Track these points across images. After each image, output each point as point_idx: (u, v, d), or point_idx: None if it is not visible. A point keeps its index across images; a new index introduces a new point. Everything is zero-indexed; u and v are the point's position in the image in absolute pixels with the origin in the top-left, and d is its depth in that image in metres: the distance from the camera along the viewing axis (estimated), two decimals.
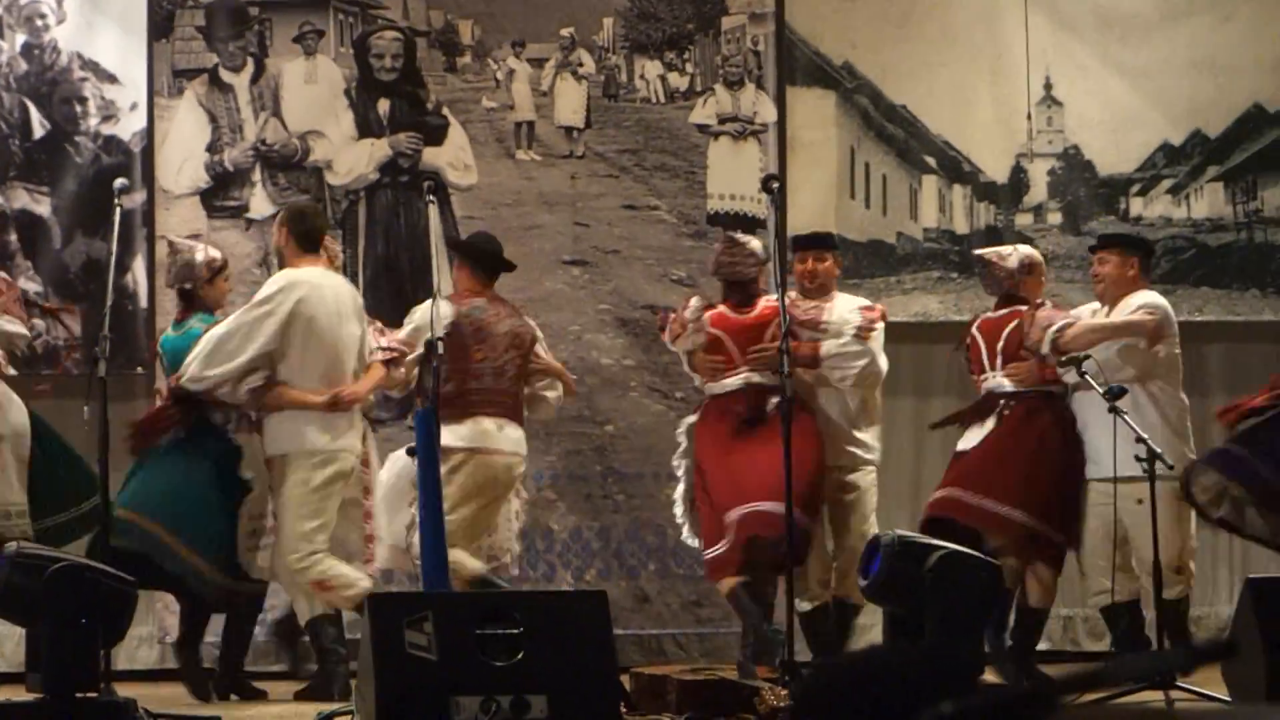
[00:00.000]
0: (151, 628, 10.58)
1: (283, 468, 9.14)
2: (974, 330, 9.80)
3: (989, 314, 9.82)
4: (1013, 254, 9.82)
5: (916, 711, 1.97)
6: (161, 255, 10.46)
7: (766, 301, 9.49)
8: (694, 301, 9.63)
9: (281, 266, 9.50)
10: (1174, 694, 8.05)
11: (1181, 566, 9.37)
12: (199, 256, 9.64)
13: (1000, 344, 9.64)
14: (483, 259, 9.75)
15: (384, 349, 9.41)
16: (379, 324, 9.62)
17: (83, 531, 9.23)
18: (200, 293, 9.58)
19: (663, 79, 11.38)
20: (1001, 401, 9.52)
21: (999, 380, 9.60)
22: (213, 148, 11.06)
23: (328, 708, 8.20)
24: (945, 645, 8.10)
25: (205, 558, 9.13)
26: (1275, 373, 9.55)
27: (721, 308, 9.57)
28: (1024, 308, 9.64)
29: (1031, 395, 9.53)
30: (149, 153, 10.96)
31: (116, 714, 7.21)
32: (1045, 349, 9.46)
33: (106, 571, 7.54)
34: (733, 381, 9.41)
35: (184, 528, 9.10)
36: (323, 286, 9.21)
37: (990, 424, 9.53)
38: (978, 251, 10.16)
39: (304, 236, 9.35)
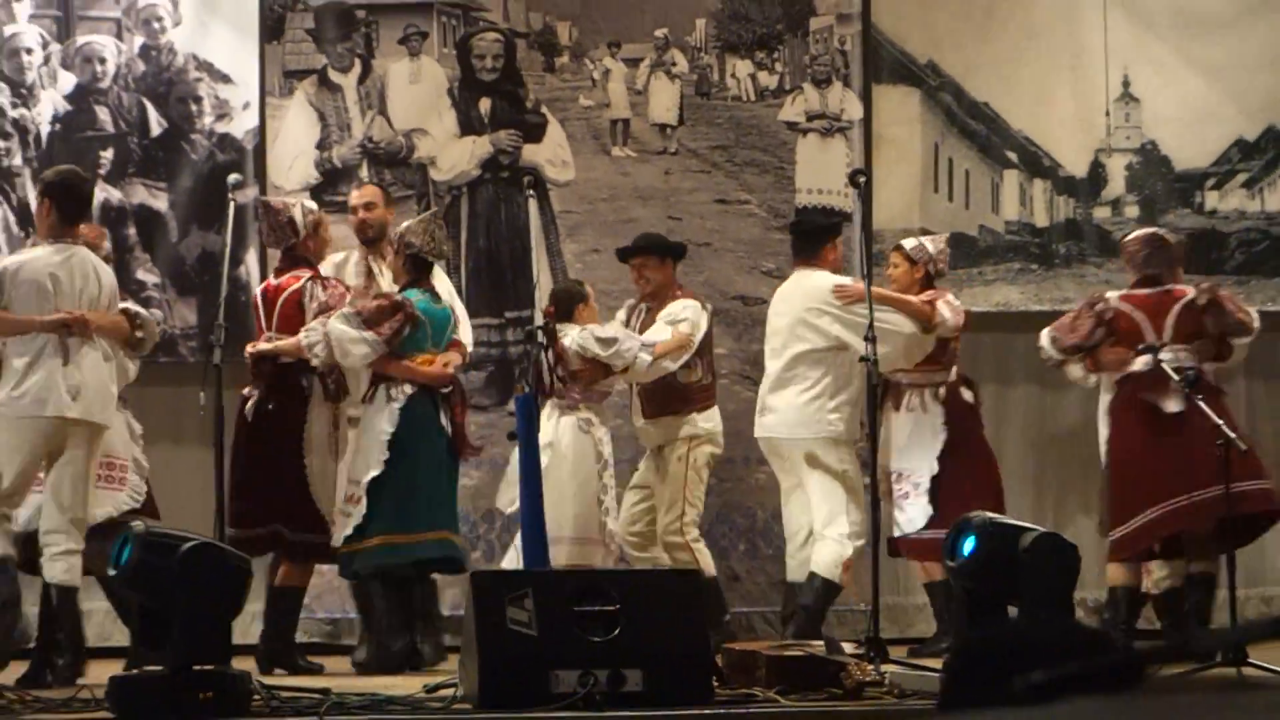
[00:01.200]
0: (259, 604, 10.61)
1: None
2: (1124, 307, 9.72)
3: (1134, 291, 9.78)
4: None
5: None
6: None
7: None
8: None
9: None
10: (1245, 669, 7.99)
11: None
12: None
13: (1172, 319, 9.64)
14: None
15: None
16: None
17: None
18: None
19: (753, 78, 11.37)
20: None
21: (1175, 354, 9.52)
22: (322, 145, 11.06)
23: (434, 679, 7.99)
24: (1071, 621, 8.15)
25: None
26: None
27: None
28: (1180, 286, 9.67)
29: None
30: (261, 150, 10.95)
31: (235, 685, 7.18)
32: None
33: (229, 550, 7.59)
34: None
35: None
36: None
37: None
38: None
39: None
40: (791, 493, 9.78)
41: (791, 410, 9.66)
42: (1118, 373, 9.60)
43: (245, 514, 9.23)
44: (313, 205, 9.81)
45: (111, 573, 7.49)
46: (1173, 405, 9.38)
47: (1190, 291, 9.65)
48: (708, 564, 9.84)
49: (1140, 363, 9.50)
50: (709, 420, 9.96)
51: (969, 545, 7.96)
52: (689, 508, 9.87)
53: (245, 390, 9.38)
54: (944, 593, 9.66)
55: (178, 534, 7.63)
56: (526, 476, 9.57)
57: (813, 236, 9.92)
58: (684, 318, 9.83)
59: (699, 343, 9.88)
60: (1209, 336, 9.61)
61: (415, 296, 9.37)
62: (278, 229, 9.55)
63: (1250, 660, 8.08)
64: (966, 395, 10.11)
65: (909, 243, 10.11)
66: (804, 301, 9.66)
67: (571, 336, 9.71)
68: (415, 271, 9.45)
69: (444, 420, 9.39)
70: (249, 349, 9.36)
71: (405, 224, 9.56)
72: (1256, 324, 9.67)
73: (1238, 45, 11.61)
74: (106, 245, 9.46)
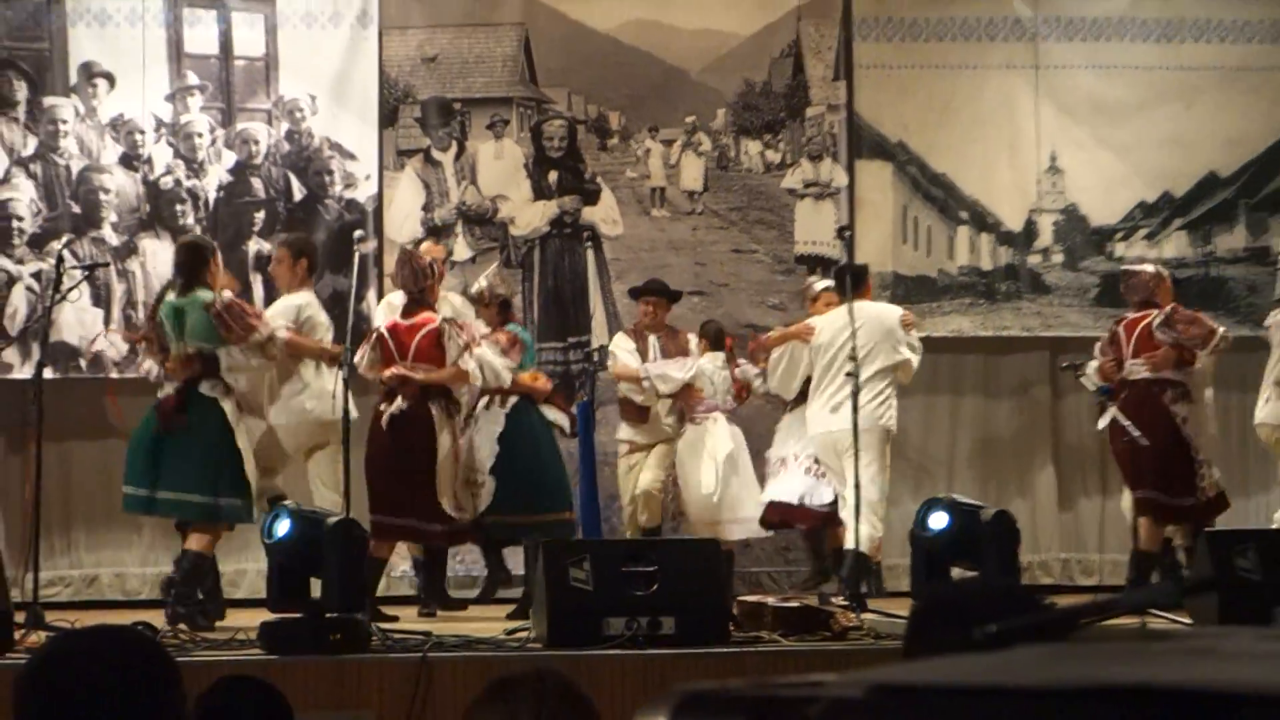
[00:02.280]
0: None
1: None
2: (1117, 329, 9.62)
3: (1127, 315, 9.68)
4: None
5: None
6: (389, 263, 10.26)
7: None
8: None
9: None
10: (1150, 621, 7.75)
11: None
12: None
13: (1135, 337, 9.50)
14: None
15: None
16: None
17: None
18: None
19: (762, 154, 11.35)
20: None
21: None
22: (426, 208, 11.06)
23: (514, 624, 8.09)
24: (1018, 582, 8.11)
25: None
26: None
27: None
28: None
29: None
30: (379, 211, 10.96)
31: (357, 628, 7.18)
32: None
33: (358, 524, 7.59)
34: None
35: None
36: None
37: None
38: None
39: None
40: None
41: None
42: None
43: (386, 504, 9.07)
44: (439, 256, 9.73)
45: (267, 541, 7.42)
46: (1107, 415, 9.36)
47: (1154, 313, 9.54)
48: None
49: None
50: None
51: (940, 520, 7.93)
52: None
53: (381, 405, 9.18)
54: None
55: (321, 511, 7.68)
56: (584, 466, 9.62)
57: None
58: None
59: None
60: (1170, 349, 9.45)
61: (517, 330, 9.52)
62: (417, 274, 9.26)
63: (1154, 613, 7.95)
64: None
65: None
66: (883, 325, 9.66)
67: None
68: (506, 311, 9.56)
69: (552, 417, 9.59)
70: (394, 371, 9.08)
71: (485, 280, 9.60)
72: (1219, 336, 9.51)
73: (1140, 129, 11.53)
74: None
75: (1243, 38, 11.56)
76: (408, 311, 9.26)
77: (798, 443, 9.91)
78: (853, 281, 9.70)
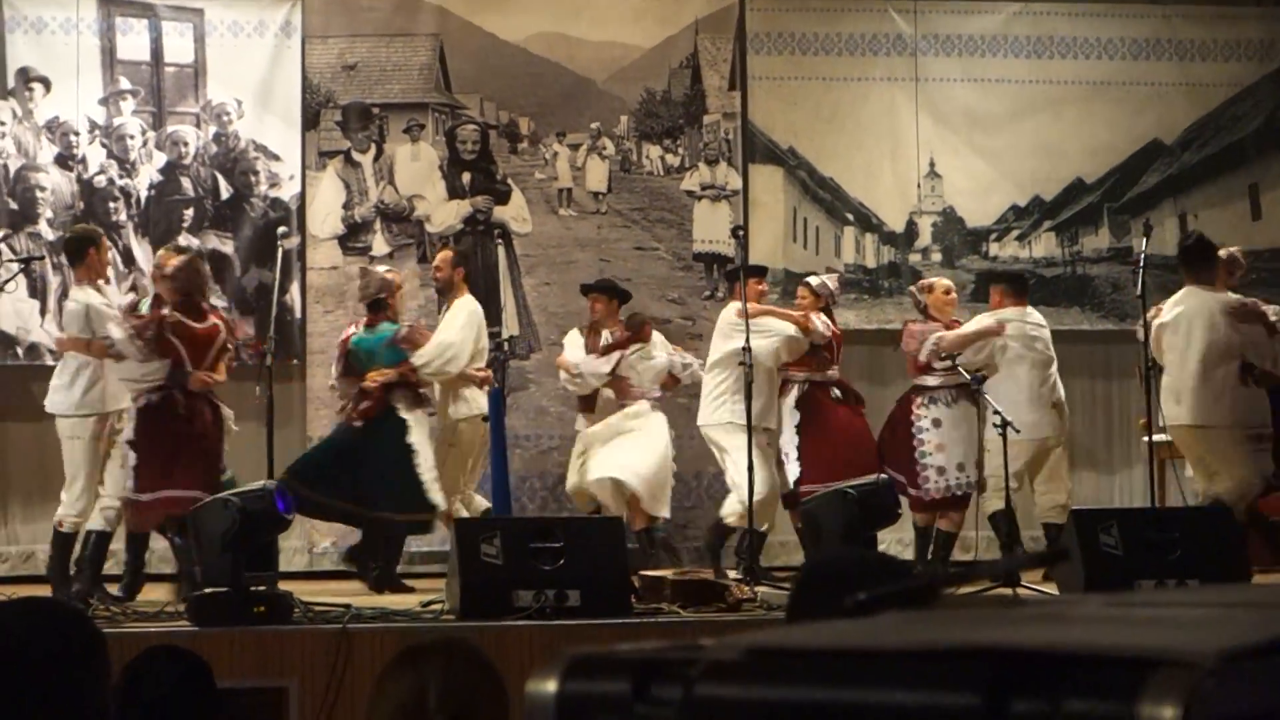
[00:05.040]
0: (303, 540, 10.46)
1: None
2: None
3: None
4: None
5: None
6: (347, 276, 10.44)
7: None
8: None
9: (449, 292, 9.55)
10: (1020, 591, 7.94)
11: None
12: (391, 276, 9.44)
13: None
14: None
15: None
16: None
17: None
18: (390, 304, 9.31)
19: (662, 159, 11.36)
20: None
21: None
22: (346, 206, 11.00)
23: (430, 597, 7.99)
24: (886, 555, 8.11)
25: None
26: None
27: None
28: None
29: None
30: (302, 209, 10.90)
31: (281, 601, 7.14)
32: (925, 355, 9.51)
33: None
34: None
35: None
36: None
37: None
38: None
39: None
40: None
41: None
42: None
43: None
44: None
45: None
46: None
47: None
48: None
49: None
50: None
51: (828, 496, 8.17)
52: None
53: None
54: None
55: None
56: (495, 449, 9.56)
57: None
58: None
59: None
60: None
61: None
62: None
63: (1025, 583, 8.10)
64: (835, 392, 9.84)
65: (814, 280, 9.99)
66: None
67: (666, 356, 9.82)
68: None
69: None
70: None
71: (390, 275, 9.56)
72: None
73: (1011, 138, 11.63)
74: None
75: (1106, 54, 11.70)
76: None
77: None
78: (729, 279, 9.82)
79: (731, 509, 9.47)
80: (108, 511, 8.62)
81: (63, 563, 8.66)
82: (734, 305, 9.46)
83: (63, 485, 8.69)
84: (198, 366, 8.52)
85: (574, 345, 9.87)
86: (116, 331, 8.42)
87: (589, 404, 9.83)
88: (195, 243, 10.64)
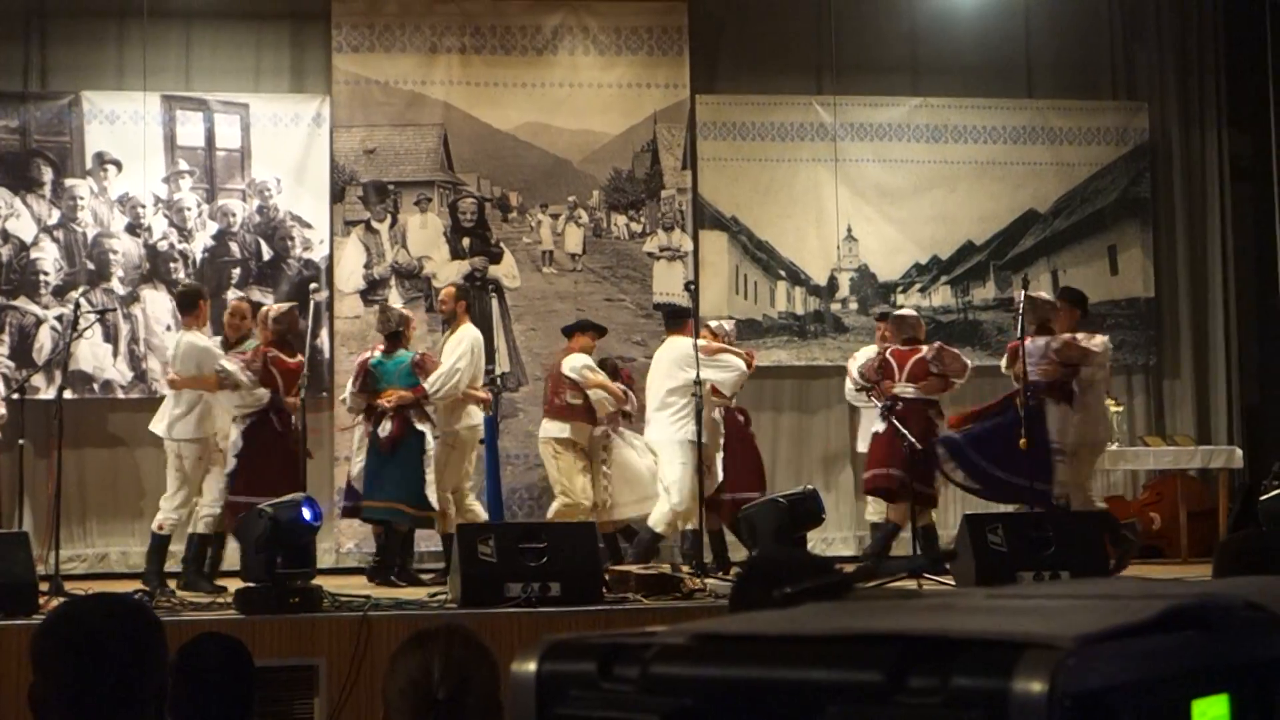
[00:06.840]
0: (332, 543, 10.33)
1: None
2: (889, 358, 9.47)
3: (899, 348, 9.53)
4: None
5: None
6: (367, 324, 10.39)
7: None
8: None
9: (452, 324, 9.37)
10: (923, 583, 7.98)
11: None
12: (407, 313, 9.42)
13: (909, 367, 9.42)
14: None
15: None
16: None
17: None
18: (405, 335, 9.21)
19: (627, 226, 11.33)
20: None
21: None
22: (367, 265, 10.97)
23: (437, 589, 8.04)
24: (810, 553, 8.08)
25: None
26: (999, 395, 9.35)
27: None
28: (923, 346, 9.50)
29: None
30: (330, 268, 10.88)
31: (312, 593, 7.06)
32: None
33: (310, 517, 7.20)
34: None
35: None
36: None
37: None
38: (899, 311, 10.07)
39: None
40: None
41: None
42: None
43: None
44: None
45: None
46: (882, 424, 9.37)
47: (924, 349, 9.53)
48: None
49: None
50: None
51: (765, 505, 8.16)
52: None
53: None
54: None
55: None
56: (490, 465, 9.53)
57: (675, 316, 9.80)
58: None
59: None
60: (934, 376, 9.46)
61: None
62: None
63: (928, 576, 7.99)
64: (739, 417, 9.90)
65: (713, 323, 9.85)
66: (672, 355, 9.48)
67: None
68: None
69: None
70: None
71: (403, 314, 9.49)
72: (969, 369, 9.55)
73: (915, 208, 11.66)
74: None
75: (991, 139, 11.78)
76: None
77: None
78: (667, 320, 9.81)
79: (661, 517, 9.37)
80: (208, 518, 8.70)
81: (159, 562, 8.66)
82: (685, 340, 9.35)
83: (139, 498, 8.74)
84: (287, 395, 8.64)
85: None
86: (231, 364, 8.54)
87: (576, 413, 9.66)
88: (240, 295, 10.59)
